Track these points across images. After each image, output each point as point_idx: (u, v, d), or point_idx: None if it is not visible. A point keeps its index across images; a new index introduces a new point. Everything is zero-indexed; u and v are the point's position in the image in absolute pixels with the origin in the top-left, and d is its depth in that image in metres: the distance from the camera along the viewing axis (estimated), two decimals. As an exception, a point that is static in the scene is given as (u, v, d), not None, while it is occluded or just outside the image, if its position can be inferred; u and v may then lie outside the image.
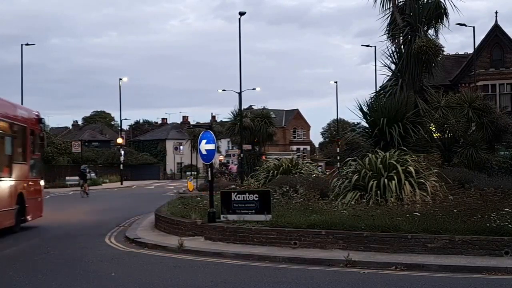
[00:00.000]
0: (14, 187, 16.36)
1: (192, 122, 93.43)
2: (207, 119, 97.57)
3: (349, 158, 16.35)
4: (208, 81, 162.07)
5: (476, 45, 39.18)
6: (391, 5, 19.38)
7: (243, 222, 13.09)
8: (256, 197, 13.30)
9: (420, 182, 14.25)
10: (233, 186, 21.33)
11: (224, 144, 75.06)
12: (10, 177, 16.13)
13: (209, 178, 14.93)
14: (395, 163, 14.53)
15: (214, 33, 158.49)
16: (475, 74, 38.50)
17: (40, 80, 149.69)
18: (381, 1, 19.38)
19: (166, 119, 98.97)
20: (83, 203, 29.38)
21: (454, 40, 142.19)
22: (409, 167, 14.49)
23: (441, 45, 18.47)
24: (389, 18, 19.41)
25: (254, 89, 59.83)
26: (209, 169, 14.81)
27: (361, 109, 17.81)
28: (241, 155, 40.70)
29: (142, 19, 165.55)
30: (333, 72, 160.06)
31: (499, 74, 40.85)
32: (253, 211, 13.22)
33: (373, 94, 20.57)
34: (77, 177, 39.80)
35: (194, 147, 62.96)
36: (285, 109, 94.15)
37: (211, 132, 14.39)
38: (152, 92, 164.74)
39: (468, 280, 9.09)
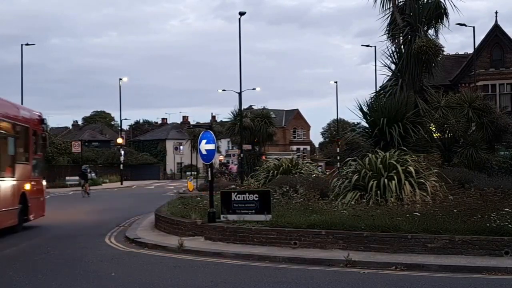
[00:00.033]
0: (17, 187, 16.55)
1: (192, 122, 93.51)
2: (207, 119, 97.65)
3: (349, 158, 16.35)
4: (208, 81, 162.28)
5: (476, 45, 39.19)
6: (391, 5, 19.38)
7: (243, 222, 13.09)
8: (256, 197, 13.31)
9: (420, 182, 14.25)
10: (233, 186, 21.34)
11: (224, 144, 75.05)
12: (13, 177, 16.32)
13: (209, 178, 14.93)
14: (395, 163, 14.53)
15: (214, 33, 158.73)
16: (475, 74, 38.49)
17: (40, 80, 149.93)
18: (381, 1, 19.41)
19: (166, 119, 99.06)
20: (83, 203, 29.39)
21: (454, 40, 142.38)
22: (409, 167, 14.49)
23: (441, 45, 18.49)
24: (389, 18, 19.42)
25: (254, 89, 59.92)
26: (209, 169, 14.81)
27: (361, 109, 17.82)
28: (241, 155, 40.71)
29: (142, 19, 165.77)
30: (333, 72, 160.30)
31: (499, 74, 40.85)
32: (253, 211, 13.22)
33: (373, 94, 20.59)
34: (77, 177, 39.88)
35: (194, 147, 62.96)
36: (285, 109, 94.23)
37: (211, 132, 14.40)
38: (152, 92, 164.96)
39: (468, 280, 9.09)
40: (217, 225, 13.36)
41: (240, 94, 40.08)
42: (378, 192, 13.85)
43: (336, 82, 60.91)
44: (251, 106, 66.71)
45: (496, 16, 43.19)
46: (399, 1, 19.44)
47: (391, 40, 19.55)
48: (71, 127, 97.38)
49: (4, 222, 15.45)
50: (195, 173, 54.26)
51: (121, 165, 58.55)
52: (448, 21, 19.26)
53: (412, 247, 10.89)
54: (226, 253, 11.75)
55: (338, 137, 55.91)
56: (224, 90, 56.53)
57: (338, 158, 43.94)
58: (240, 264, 10.83)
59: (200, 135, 14.48)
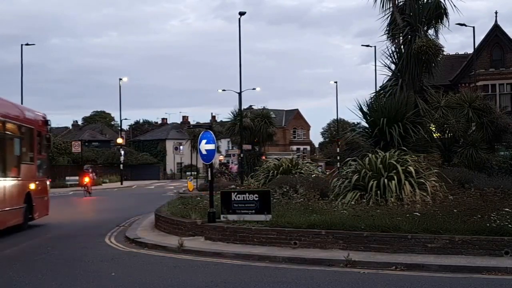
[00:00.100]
0: (22, 187, 16.88)
1: (192, 122, 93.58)
2: (207, 119, 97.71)
3: (349, 158, 16.35)
4: (208, 81, 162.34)
5: (476, 45, 39.20)
6: (391, 5, 19.38)
7: (243, 222, 13.09)
8: (256, 197, 13.30)
9: (420, 182, 14.25)
10: (233, 186, 21.33)
11: (224, 144, 75.08)
12: (18, 177, 16.64)
13: (209, 178, 14.93)
14: (395, 163, 14.53)
15: (214, 33, 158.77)
16: (475, 74, 38.50)
17: (40, 80, 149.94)
18: (381, 1, 19.40)
19: (166, 119, 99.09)
20: (83, 203, 29.44)
21: (454, 40, 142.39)
22: (409, 167, 14.49)
23: (441, 45, 18.49)
24: (389, 18, 19.41)
25: (254, 89, 59.97)
26: (209, 169, 14.81)
27: (361, 109, 17.82)
28: (241, 155, 40.72)
29: (142, 19, 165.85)
30: (333, 72, 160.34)
31: (499, 74, 40.85)
32: (253, 211, 13.22)
33: (373, 94, 20.58)
34: (77, 177, 40.01)
35: (194, 147, 63.05)
36: (285, 109, 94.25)
37: (211, 132, 14.40)
38: (152, 92, 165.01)
39: (468, 280, 9.09)
40: (217, 225, 13.36)
41: (240, 94, 40.11)
42: (378, 192, 13.85)
43: (336, 82, 61.08)
44: (251, 106, 66.78)
45: (496, 16, 43.32)
46: (399, 1, 19.44)
47: (391, 40, 19.55)
48: (71, 127, 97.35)
49: (10, 220, 15.77)
50: (195, 173, 54.26)
51: (121, 165, 58.58)
52: (448, 21, 19.30)
53: (412, 247, 10.89)
54: (226, 253, 11.75)
55: (338, 137, 55.92)
56: (224, 90, 56.63)
57: (338, 158, 43.95)
58: (240, 264, 10.83)
59: (200, 135, 14.48)
